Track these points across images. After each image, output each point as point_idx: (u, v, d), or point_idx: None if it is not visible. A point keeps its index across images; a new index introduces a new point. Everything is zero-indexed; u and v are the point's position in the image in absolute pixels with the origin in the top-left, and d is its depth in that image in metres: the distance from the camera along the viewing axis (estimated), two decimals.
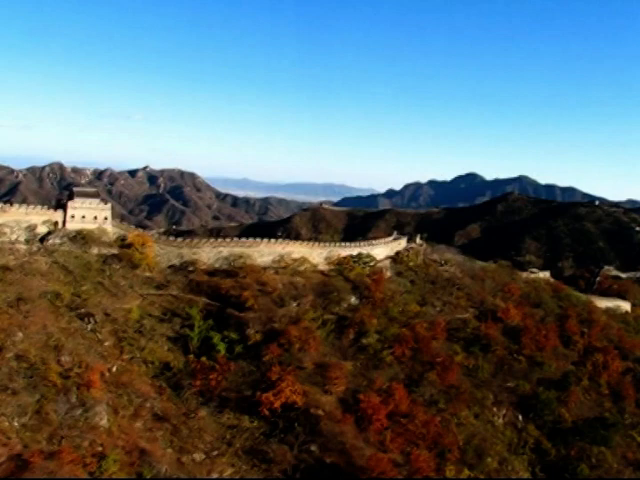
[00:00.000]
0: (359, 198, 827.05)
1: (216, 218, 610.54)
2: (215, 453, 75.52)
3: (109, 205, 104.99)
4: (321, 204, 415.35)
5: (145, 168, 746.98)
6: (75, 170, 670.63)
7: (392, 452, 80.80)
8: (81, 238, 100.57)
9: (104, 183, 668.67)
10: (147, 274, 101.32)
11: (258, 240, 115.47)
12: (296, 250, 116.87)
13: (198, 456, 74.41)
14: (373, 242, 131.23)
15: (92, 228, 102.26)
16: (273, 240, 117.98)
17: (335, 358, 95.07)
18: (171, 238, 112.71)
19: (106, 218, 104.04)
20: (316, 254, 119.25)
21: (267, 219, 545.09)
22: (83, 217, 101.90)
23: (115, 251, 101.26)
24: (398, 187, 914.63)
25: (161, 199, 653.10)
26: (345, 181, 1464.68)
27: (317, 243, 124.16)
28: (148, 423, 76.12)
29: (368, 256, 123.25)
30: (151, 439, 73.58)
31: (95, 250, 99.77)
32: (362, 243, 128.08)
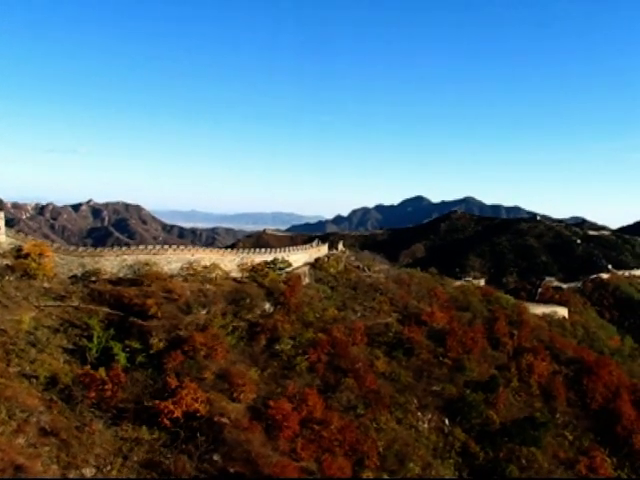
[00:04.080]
0: (307, 225, 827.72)
1: None
2: (108, 468, 69.06)
3: (1, 214, 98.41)
4: (264, 230, 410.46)
5: (89, 202, 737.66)
6: (15, 206, 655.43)
7: (304, 460, 76.12)
8: None
9: (46, 218, 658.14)
10: (45, 285, 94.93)
11: (166, 247, 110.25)
12: (206, 257, 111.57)
13: (88, 471, 67.69)
14: (290, 248, 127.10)
15: None
16: (182, 247, 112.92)
17: (245, 365, 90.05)
18: (72, 247, 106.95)
19: None
20: (228, 261, 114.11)
21: None
22: None
23: (9, 262, 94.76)
24: (346, 213, 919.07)
25: (105, 232, 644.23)
26: (294, 209, 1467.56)
27: (229, 250, 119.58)
28: (32, 439, 69.34)
29: (284, 262, 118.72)
30: (33, 455, 66.70)
31: None
32: (278, 250, 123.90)
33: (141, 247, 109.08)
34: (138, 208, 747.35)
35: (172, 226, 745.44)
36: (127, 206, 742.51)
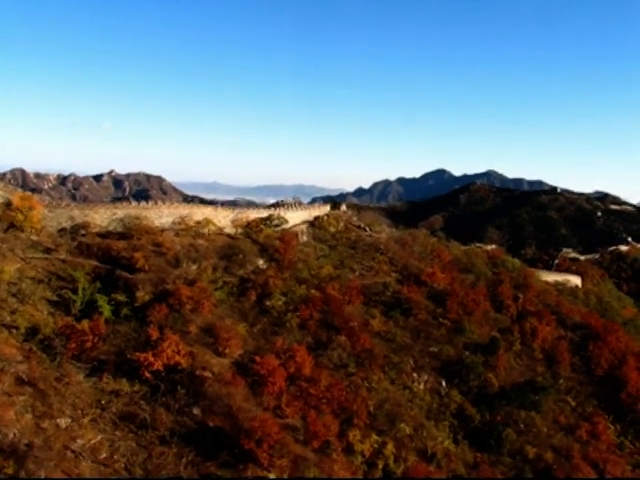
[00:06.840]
0: (328, 197, 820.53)
1: None
2: (85, 419, 67.62)
3: None
4: (281, 201, 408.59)
5: (110, 172, 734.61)
6: (38, 176, 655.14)
7: (289, 416, 74.05)
8: None
9: (68, 188, 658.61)
10: (33, 237, 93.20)
11: (159, 203, 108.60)
12: (199, 212, 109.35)
13: (64, 421, 66.03)
14: (287, 205, 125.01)
15: None
16: (176, 203, 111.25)
17: (233, 320, 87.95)
18: (62, 201, 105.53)
19: None
20: (222, 216, 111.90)
21: None
22: None
23: None
24: (367, 186, 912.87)
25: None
26: (315, 182, 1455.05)
27: (223, 205, 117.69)
28: (7, 387, 67.62)
29: (279, 218, 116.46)
30: (7, 404, 65.15)
31: None
32: (275, 206, 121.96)
33: (134, 203, 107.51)
34: (159, 179, 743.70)
35: (193, 197, 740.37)
36: (148, 177, 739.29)
